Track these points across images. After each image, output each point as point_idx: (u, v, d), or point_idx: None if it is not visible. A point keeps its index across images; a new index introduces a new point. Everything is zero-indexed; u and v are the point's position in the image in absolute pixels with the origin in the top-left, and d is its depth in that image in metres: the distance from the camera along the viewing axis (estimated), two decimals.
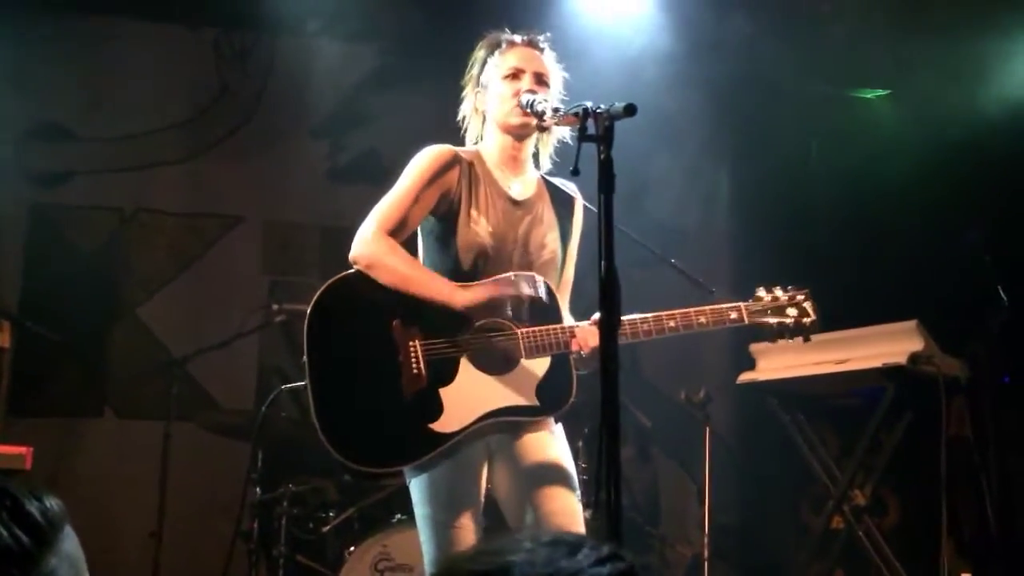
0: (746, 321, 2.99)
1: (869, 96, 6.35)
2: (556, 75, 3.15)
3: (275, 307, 5.02)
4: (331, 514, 4.73)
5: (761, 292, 3.05)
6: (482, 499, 2.99)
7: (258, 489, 4.79)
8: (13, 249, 5.77)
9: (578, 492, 3.01)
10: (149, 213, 5.99)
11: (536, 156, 3.20)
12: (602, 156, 2.36)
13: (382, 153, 6.18)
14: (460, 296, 2.87)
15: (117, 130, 5.95)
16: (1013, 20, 5.40)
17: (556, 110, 2.85)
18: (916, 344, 4.77)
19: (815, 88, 6.30)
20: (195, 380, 5.68)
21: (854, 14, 5.65)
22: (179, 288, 5.96)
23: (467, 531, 2.90)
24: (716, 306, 2.98)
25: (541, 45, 3.14)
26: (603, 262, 2.30)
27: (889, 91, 6.26)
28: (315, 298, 2.92)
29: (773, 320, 3.00)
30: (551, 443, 3.01)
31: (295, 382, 5.05)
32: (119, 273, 5.92)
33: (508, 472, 3.00)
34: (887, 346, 4.82)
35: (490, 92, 3.11)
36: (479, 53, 3.18)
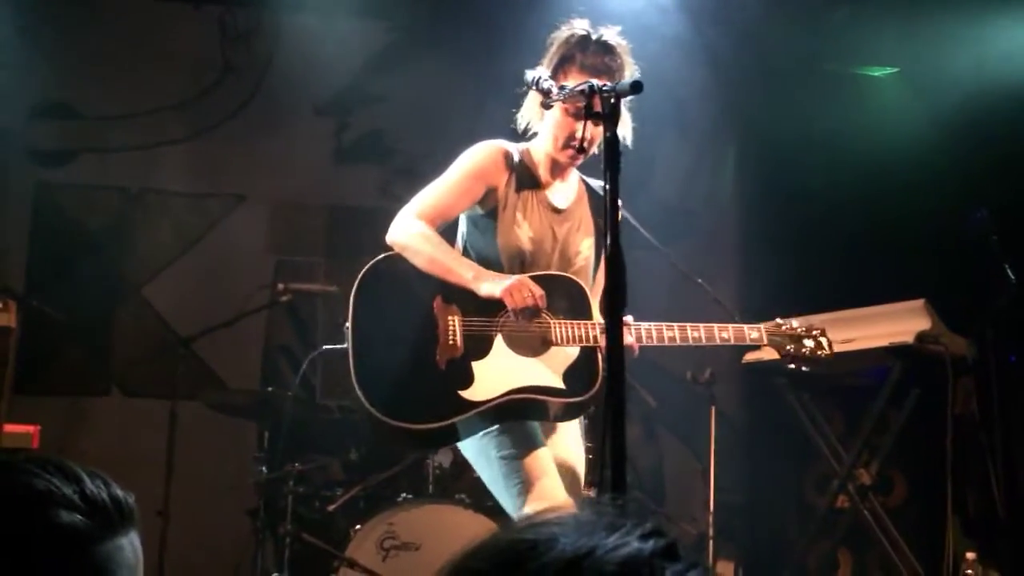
0: (765, 342, 3.15)
1: (877, 74, 6.31)
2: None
3: (280, 287, 5.03)
4: (337, 492, 4.75)
5: (779, 320, 3.22)
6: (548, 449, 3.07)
7: (264, 468, 4.81)
8: (19, 229, 5.77)
9: (581, 479, 3.19)
10: (154, 192, 5.99)
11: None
12: (608, 135, 2.35)
13: (387, 132, 6.16)
14: (483, 287, 2.98)
15: (122, 109, 5.94)
16: None
17: (562, 88, 2.83)
18: (923, 323, 4.75)
19: (822, 66, 6.26)
20: (201, 359, 5.69)
21: None
22: (184, 267, 5.96)
23: (546, 460, 3.00)
24: (738, 324, 3.15)
25: (613, 68, 3.03)
26: (608, 241, 2.30)
27: (897, 69, 6.22)
28: (363, 271, 3.07)
29: (790, 346, 3.17)
30: (566, 431, 3.18)
31: (301, 361, 5.08)
32: (124, 252, 5.92)
33: None
34: (894, 325, 4.81)
35: (552, 111, 3.06)
36: (554, 49, 3.07)
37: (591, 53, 3.04)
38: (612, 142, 2.34)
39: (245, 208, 6.08)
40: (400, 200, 3.18)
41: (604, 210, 3.14)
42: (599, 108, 2.42)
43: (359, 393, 2.96)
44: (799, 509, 5.63)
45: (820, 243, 5.90)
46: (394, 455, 4.74)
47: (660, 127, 6.20)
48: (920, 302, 4.81)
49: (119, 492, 1.25)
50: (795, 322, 3.19)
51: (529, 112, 3.16)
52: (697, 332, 3.05)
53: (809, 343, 3.16)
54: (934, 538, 4.64)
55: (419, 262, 3.03)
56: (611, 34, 3.10)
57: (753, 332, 3.11)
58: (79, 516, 1.19)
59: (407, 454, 4.68)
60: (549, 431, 3.15)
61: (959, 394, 4.73)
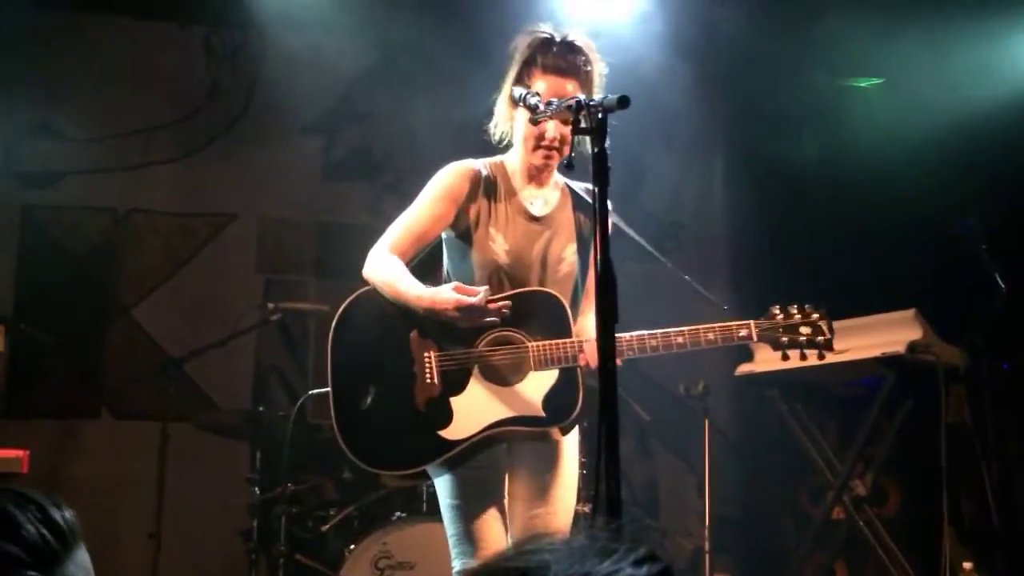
0: (755, 339, 2.96)
1: (863, 85, 6.33)
2: (596, 86, 3.04)
3: (271, 306, 5.01)
4: (331, 512, 4.73)
5: (775, 310, 3.01)
6: (504, 498, 3.05)
7: (256, 489, 4.78)
8: (6, 251, 5.74)
9: (572, 501, 3.09)
10: (142, 213, 5.96)
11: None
12: (595, 149, 2.34)
13: (375, 149, 6.16)
14: (423, 302, 2.93)
15: (108, 130, 5.92)
16: (1008, 6, 5.39)
17: (549, 104, 2.81)
18: (915, 333, 4.75)
19: (809, 77, 6.28)
20: (191, 380, 5.66)
21: (847, 2, 5.63)
22: (174, 288, 5.93)
23: (493, 520, 2.96)
24: (725, 323, 2.95)
25: (578, 66, 3.00)
26: (599, 256, 2.28)
27: (883, 79, 6.24)
28: (340, 309, 3.05)
29: (784, 338, 2.96)
30: (555, 452, 3.08)
31: (292, 382, 5.06)
32: (113, 274, 5.89)
33: (512, 476, 3.07)
34: (886, 335, 4.81)
35: (518, 115, 3.04)
36: (518, 55, 3.06)
37: (552, 55, 3.00)
38: (600, 157, 2.33)
39: (234, 227, 6.06)
40: (389, 218, 3.16)
41: (593, 219, 3.13)
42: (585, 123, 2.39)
43: (341, 441, 2.97)
44: (795, 520, 5.62)
45: (810, 253, 5.90)
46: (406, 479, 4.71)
47: (647, 139, 6.21)
48: (911, 312, 4.82)
49: (58, 517, 1.21)
50: (794, 309, 2.98)
51: (501, 122, 3.14)
52: (681, 338, 2.90)
53: (806, 330, 2.97)
54: (930, 547, 4.63)
55: (380, 288, 3.00)
56: (575, 33, 3.05)
57: (741, 330, 2.93)
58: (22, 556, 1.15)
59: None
60: (540, 449, 3.07)
61: (952, 403, 4.72)
